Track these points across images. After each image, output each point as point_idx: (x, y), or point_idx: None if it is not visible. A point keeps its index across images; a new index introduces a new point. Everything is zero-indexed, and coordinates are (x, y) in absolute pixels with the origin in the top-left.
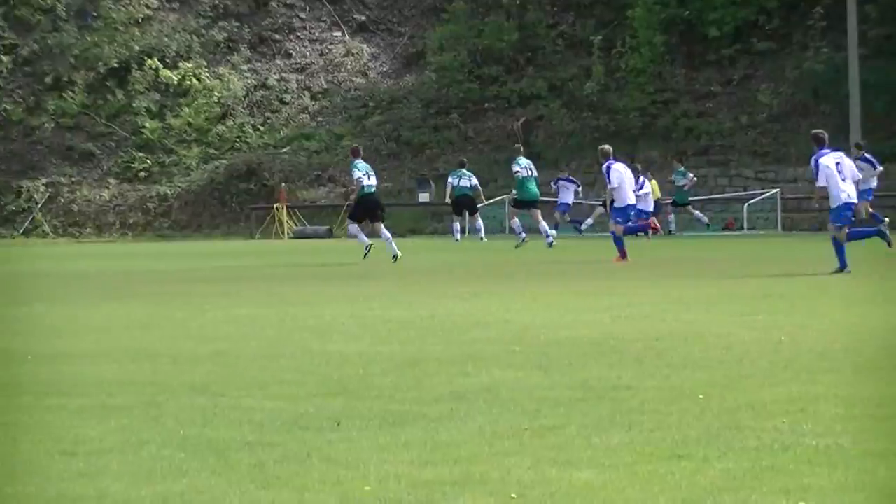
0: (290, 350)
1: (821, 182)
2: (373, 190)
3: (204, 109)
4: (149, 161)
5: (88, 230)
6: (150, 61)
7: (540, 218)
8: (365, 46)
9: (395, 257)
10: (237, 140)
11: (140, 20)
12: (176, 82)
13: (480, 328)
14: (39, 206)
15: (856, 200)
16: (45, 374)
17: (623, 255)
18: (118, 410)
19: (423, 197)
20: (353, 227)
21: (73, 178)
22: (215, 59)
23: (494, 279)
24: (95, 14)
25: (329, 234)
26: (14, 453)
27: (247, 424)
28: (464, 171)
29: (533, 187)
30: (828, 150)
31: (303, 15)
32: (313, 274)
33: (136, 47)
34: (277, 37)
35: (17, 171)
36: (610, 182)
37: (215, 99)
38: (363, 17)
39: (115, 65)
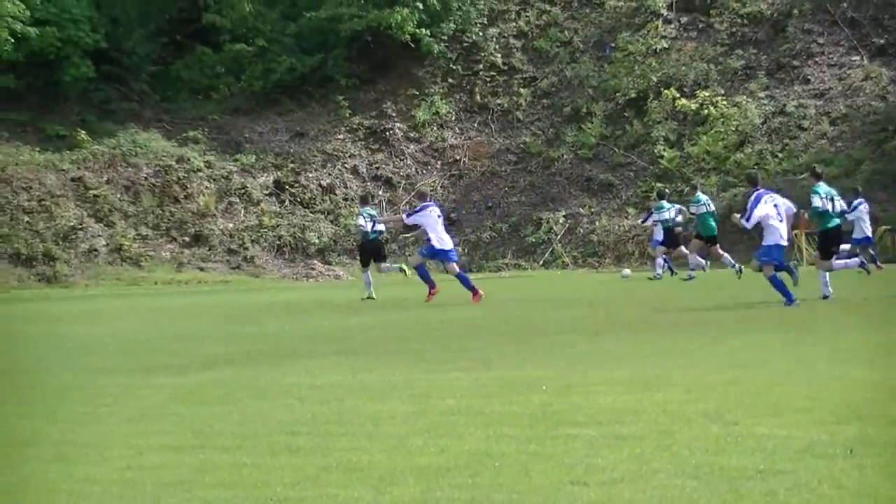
0: (802, 376)
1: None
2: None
3: (721, 137)
4: (667, 190)
5: (607, 260)
6: (667, 91)
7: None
8: (884, 70)
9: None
10: (755, 167)
11: (657, 51)
12: (693, 111)
13: None
14: (559, 237)
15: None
16: (559, 405)
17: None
18: (631, 440)
19: None
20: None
21: (592, 209)
22: (733, 86)
23: None
24: (613, 46)
25: None
26: (526, 482)
27: (759, 452)
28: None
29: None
30: (763, 191)
31: (821, 40)
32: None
33: (654, 78)
34: (795, 63)
35: (537, 203)
36: None
37: (733, 127)
38: (882, 41)
39: (633, 95)
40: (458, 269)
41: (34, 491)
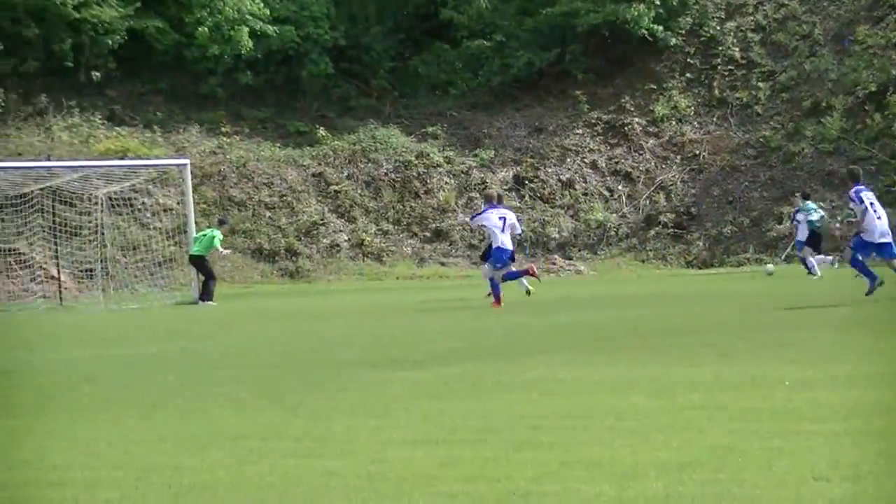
0: None
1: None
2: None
3: None
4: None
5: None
6: None
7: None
8: None
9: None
10: None
11: None
12: None
13: None
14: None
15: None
16: (800, 400)
17: None
18: (876, 435)
19: None
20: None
21: (833, 203)
22: None
23: None
24: (852, 38)
25: None
26: (769, 478)
27: None
28: None
29: None
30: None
31: None
32: None
33: (894, 71)
34: None
35: (778, 198)
36: None
37: None
38: None
39: (873, 88)
40: (500, 275)
41: (278, 484)
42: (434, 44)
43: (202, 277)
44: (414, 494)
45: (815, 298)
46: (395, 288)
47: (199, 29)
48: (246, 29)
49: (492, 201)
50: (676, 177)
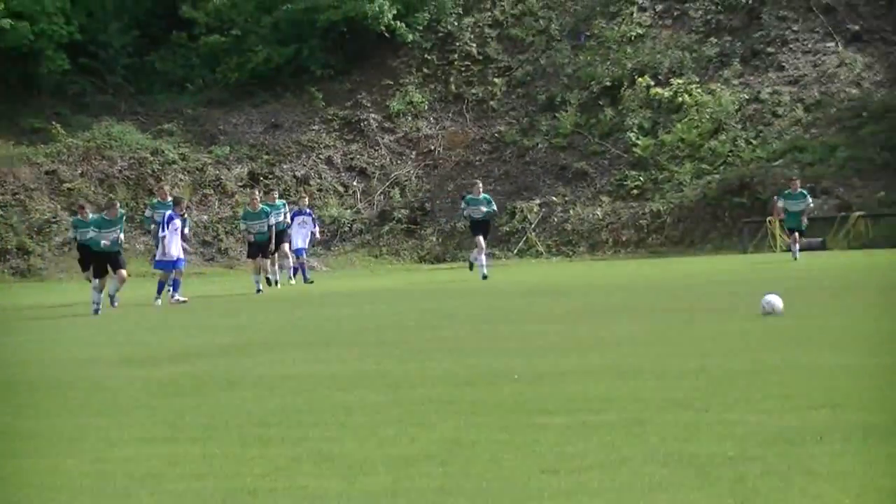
0: (777, 363)
1: None
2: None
3: (696, 125)
4: (641, 178)
5: (581, 249)
6: (641, 79)
7: None
8: (859, 56)
9: None
10: (730, 154)
11: (633, 38)
12: (667, 98)
13: None
14: (533, 226)
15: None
16: (530, 393)
17: None
18: (601, 427)
19: None
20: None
21: (566, 198)
22: (707, 73)
23: None
24: (588, 33)
25: (822, 247)
26: (497, 471)
27: (729, 439)
28: None
29: None
30: None
31: (795, 27)
32: (799, 286)
33: (629, 65)
34: (770, 49)
35: (511, 192)
36: None
37: (707, 114)
38: (857, 27)
39: (608, 83)
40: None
41: (2, 484)
42: (172, 40)
43: None
44: (141, 493)
45: (542, 292)
46: (133, 286)
47: None
48: None
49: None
50: (411, 172)
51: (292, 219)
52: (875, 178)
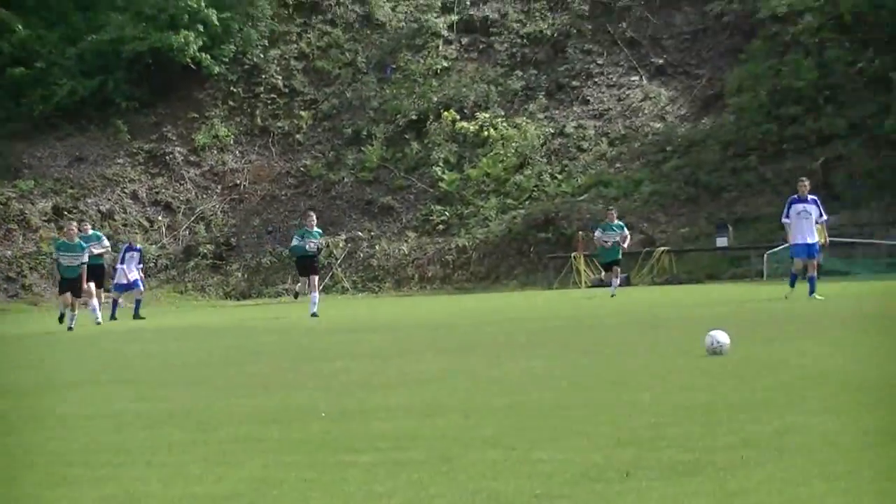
0: (582, 401)
1: None
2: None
3: (501, 159)
4: (447, 213)
5: (387, 285)
6: (447, 113)
7: None
8: (663, 90)
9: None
10: (535, 189)
11: (438, 71)
12: (473, 133)
13: (772, 373)
14: (339, 261)
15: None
16: (337, 431)
17: None
18: (409, 465)
19: (721, 242)
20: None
21: (372, 233)
22: (512, 107)
23: (795, 325)
24: (394, 66)
25: (627, 282)
26: None
27: (536, 477)
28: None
29: None
30: None
31: (600, 60)
32: (608, 324)
33: (435, 98)
34: (575, 83)
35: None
36: None
37: (513, 149)
38: (661, 61)
39: (414, 117)
40: None
41: None
42: None
43: None
44: None
45: (349, 329)
46: None
47: None
48: None
49: None
50: (217, 207)
51: (124, 253)
52: (679, 213)
